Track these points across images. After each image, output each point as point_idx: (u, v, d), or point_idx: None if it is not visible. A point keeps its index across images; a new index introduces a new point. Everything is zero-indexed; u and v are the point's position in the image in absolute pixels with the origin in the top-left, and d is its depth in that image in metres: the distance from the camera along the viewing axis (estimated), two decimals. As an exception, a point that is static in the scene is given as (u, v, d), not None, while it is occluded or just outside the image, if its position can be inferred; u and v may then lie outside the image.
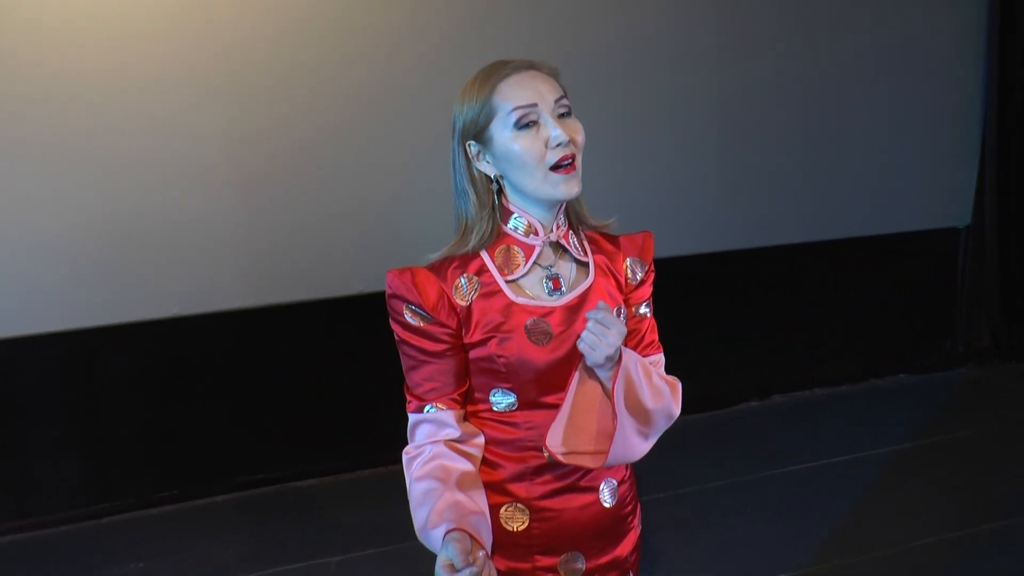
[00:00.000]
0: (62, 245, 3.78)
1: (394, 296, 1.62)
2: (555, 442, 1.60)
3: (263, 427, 4.27)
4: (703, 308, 4.89)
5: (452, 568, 1.44)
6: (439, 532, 1.52)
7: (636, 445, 1.65)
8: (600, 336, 1.55)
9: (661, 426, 1.70)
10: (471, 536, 1.50)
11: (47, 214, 3.75)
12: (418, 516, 1.59)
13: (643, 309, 1.76)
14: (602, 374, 1.62)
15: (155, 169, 3.85)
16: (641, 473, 1.88)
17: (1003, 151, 5.34)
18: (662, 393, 1.66)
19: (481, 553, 1.48)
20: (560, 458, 1.60)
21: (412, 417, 1.67)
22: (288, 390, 4.27)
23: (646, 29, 4.49)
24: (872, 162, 5.08)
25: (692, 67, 4.61)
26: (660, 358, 1.79)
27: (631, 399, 1.62)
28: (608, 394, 1.62)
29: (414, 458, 1.65)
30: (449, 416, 1.65)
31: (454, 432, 1.65)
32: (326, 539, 3.80)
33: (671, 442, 1.73)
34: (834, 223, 5.08)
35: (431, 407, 1.64)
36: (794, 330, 5.16)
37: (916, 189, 5.21)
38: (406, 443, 1.69)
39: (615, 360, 1.59)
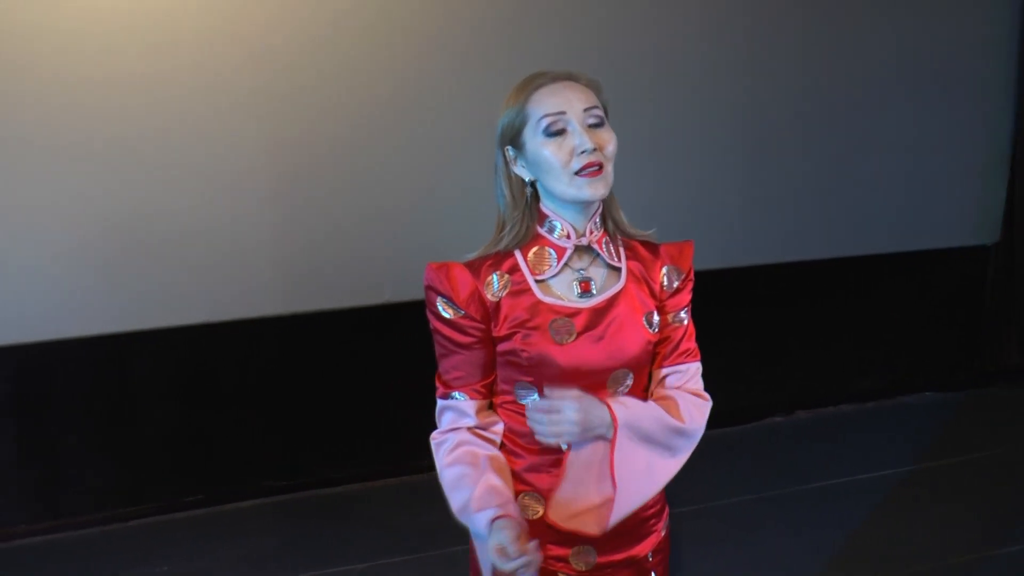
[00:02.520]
0: (93, 251, 3.81)
1: (430, 288, 1.71)
2: (559, 514, 1.71)
3: (290, 433, 4.28)
4: (726, 323, 4.86)
5: (504, 552, 1.54)
6: (484, 516, 1.62)
7: (657, 477, 1.70)
8: (556, 424, 1.60)
9: (684, 449, 1.73)
10: (519, 522, 1.60)
11: (78, 219, 3.78)
12: (456, 498, 1.68)
13: (681, 315, 1.79)
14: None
15: (186, 175, 3.88)
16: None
17: (1033, 167, 5.26)
18: (680, 430, 1.71)
19: (533, 542, 1.55)
20: (563, 526, 1.71)
21: (440, 402, 1.76)
22: (316, 397, 4.29)
23: (671, 41, 4.49)
24: (899, 178, 5.04)
25: (717, 82, 4.59)
26: (695, 367, 1.82)
27: (645, 443, 1.68)
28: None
29: (440, 444, 1.75)
30: (470, 406, 1.73)
31: (472, 421, 1.74)
32: (351, 546, 3.81)
33: (695, 456, 1.76)
34: (860, 239, 5.04)
35: (456, 394, 1.73)
36: (819, 346, 5.12)
37: (944, 205, 5.16)
38: (427, 455, 1.78)
39: (607, 431, 1.63)
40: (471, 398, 1.73)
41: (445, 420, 1.76)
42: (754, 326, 4.95)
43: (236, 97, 3.90)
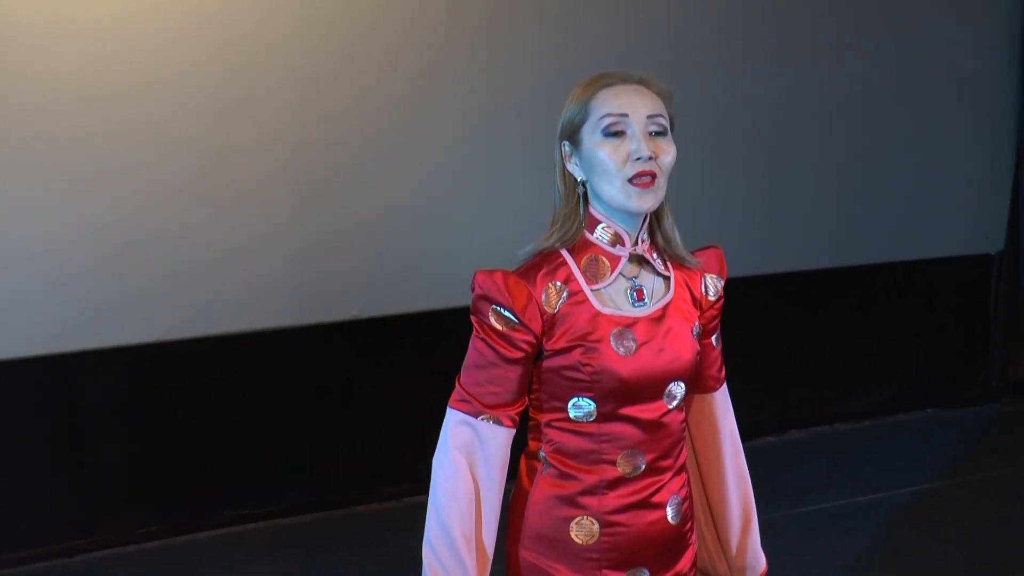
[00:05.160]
0: (40, 265, 3.70)
1: (483, 297, 1.69)
2: None
3: (251, 460, 4.17)
4: (718, 336, 4.78)
5: None
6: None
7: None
8: None
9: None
10: None
11: (24, 232, 3.66)
12: (440, 545, 1.70)
13: (713, 338, 1.89)
14: None
15: (142, 188, 3.78)
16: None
17: (1038, 173, 5.31)
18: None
19: None
20: None
21: (459, 415, 1.71)
22: (278, 420, 4.19)
23: (663, 44, 4.45)
24: (900, 185, 5.04)
25: (711, 88, 4.55)
26: (726, 389, 1.94)
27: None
28: None
29: (443, 477, 1.71)
30: (496, 435, 1.69)
31: (483, 447, 1.69)
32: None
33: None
34: (859, 249, 5.05)
35: (486, 417, 1.69)
36: (814, 361, 5.09)
37: (946, 213, 5.18)
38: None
39: None
40: (504, 425, 1.70)
41: (457, 439, 1.70)
42: (745, 340, 4.81)
43: (193, 102, 3.79)
